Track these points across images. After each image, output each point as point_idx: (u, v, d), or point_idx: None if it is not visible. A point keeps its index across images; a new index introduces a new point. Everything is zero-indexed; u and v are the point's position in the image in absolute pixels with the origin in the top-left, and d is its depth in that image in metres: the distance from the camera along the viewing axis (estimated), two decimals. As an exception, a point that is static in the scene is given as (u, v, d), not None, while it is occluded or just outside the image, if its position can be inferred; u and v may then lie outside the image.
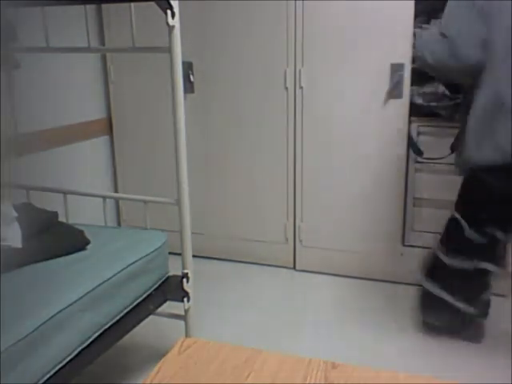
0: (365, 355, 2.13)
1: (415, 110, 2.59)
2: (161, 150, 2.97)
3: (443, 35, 1.92)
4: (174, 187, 1.93)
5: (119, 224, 3.25)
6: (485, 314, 2.23)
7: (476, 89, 1.90)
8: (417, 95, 2.58)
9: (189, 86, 2.82)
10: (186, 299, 2.00)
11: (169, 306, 2.01)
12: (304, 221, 2.87)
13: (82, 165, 2.95)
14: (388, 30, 2.49)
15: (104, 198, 2.19)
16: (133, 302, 1.79)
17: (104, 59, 3.07)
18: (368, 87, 2.59)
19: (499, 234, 2.04)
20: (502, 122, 1.84)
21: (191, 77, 2.86)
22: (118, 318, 1.70)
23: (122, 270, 1.72)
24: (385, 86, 2.55)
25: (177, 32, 1.76)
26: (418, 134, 2.65)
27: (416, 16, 2.48)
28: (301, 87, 2.69)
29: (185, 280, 1.99)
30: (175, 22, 1.75)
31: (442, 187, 2.68)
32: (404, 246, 2.79)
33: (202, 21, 2.78)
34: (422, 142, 2.65)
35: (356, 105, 2.63)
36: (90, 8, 2.86)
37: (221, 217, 3.04)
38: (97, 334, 1.60)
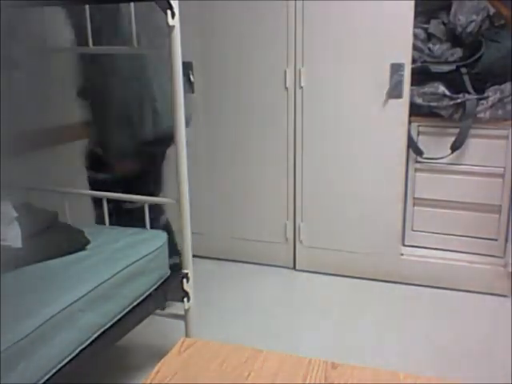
0: (365, 355, 2.14)
1: (415, 110, 2.59)
2: (161, 150, 2.97)
3: None
4: (174, 187, 1.93)
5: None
6: None
7: None
8: (417, 95, 2.58)
9: (189, 86, 2.82)
10: (186, 299, 2.00)
11: (169, 306, 2.01)
12: (304, 221, 2.87)
13: (82, 165, 2.95)
14: (388, 30, 2.49)
15: (104, 198, 2.19)
16: (133, 302, 1.79)
17: (104, 59, 3.06)
18: (368, 87, 2.58)
19: None
20: None
21: (191, 77, 2.86)
22: (117, 317, 1.70)
23: (122, 269, 1.72)
24: (385, 86, 2.55)
25: (177, 32, 1.76)
26: (418, 133, 2.65)
27: (416, 16, 2.48)
28: (301, 87, 2.69)
29: (185, 280, 1.99)
30: (175, 22, 1.75)
31: (441, 187, 2.68)
32: (404, 246, 2.79)
33: (202, 21, 2.78)
34: (422, 141, 2.65)
35: (356, 105, 2.63)
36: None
37: (221, 217, 3.04)
38: (97, 334, 1.60)
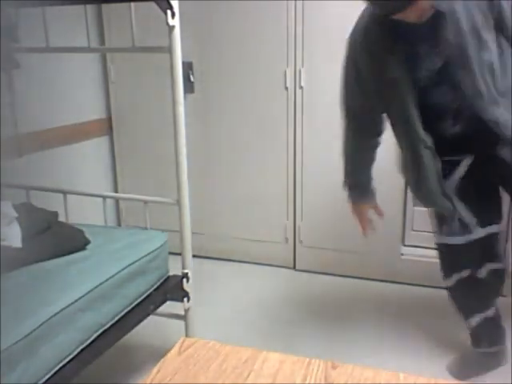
0: (365, 355, 2.13)
1: (415, 110, 2.59)
2: (161, 150, 2.97)
3: None
4: (174, 187, 1.93)
5: (119, 224, 3.25)
6: None
7: None
8: (417, 95, 2.58)
9: (189, 86, 2.82)
10: (186, 299, 2.00)
11: (169, 306, 2.01)
12: (304, 221, 2.87)
13: (82, 165, 2.95)
14: (388, 30, 2.48)
15: (104, 197, 2.19)
16: (133, 302, 1.79)
17: (104, 59, 3.07)
18: (368, 87, 2.58)
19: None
20: None
21: (191, 77, 2.86)
22: (117, 317, 1.70)
23: (122, 269, 1.72)
24: (385, 86, 2.54)
25: (177, 32, 1.76)
26: (418, 133, 2.65)
27: (416, 16, 2.47)
28: (301, 87, 2.69)
29: (185, 280, 1.99)
30: (175, 22, 1.75)
31: (441, 187, 2.67)
32: (404, 245, 2.79)
33: (202, 21, 2.78)
34: (422, 141, 2.64)
35: (356, 105, 2.63)
36: (90, 8, 2.86)
37: (221, 217, 3.04)
38: (97, 334, 1.60)
